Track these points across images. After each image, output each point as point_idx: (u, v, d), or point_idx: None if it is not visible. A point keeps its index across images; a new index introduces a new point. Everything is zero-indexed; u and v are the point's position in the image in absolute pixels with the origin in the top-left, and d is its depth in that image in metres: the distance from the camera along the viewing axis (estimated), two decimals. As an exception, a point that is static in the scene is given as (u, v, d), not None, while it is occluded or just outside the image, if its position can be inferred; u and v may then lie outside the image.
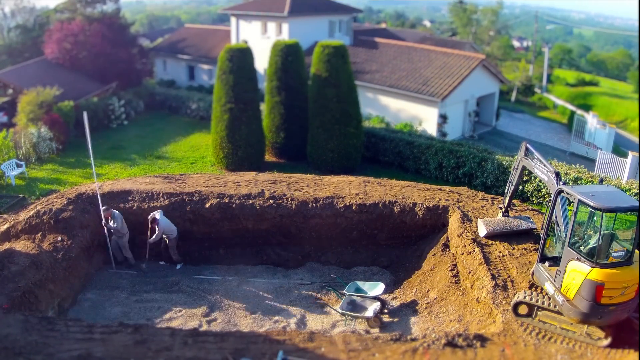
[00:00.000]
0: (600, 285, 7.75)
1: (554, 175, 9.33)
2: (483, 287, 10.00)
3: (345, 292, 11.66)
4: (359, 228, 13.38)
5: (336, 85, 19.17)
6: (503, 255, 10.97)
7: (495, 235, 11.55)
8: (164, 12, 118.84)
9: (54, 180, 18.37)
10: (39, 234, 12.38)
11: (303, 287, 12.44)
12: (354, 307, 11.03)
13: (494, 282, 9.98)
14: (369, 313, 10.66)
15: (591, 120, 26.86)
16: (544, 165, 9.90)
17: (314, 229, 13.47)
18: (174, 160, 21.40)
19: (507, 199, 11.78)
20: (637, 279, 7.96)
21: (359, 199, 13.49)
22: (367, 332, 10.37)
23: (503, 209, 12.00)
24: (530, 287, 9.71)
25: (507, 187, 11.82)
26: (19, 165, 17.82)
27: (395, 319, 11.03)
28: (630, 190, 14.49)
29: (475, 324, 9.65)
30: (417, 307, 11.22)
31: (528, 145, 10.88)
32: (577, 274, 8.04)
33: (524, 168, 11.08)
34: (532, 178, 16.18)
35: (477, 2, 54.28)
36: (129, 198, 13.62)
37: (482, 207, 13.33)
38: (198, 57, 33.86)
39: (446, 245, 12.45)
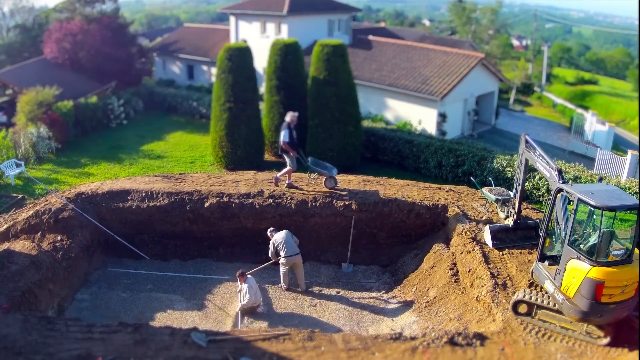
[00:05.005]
0: (600, 283, 7.75)
1: (556, 172, 9.14)
2: (483, 286, 10.00)
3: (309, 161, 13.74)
4: (358, 227, 13.38)
5: (335, 85, 19.15)
6: (502, 254, 10.98)
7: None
8: (163, 11, 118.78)
9: (53, 180, 18.37)
10: (39, 234, 12.37)
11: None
12: (320, 167, 13.67)
13: (493, 280, 9.98)
14: (334, 172, 13.45)
15: (590, 118, 26.87)
16: (546, 162, 9.68)
17: (314, 228, 13.47)
18: (173, 160, 21.38)
19: (517, 203, 11.08)
20: (637, 277, 7.96)
21: (359, 198, 13.48)
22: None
23: (514, 216, 11.25)
24: (529, 286, 9.71)
25: (514, 190, 11.30)
26: (18, 165, 17.79)
27: (394, 318, 11.06)
28: (629, 188, 14.49)
29: (475, 323, 9.65)
30: (416, 306, 11.22)
31: (527, 137, 10.56)
32: (577, 272, 8.04)
33: (527, 161, 10.62)
34: (531, 176, 16.17)
35: (477, 1, 54.23)
36: (129, 197, 13.61)
37: (481, 205, 13.32)
38: (197, 56, 33.82)
39: (446, 244, 12.45)
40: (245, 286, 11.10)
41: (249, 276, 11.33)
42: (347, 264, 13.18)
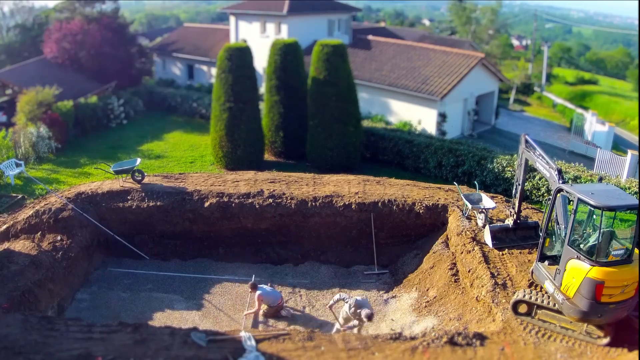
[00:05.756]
0: (600, 283, 7.76)
1: (556, 172, 9.13)
2: (482, 286, 10.00)
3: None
4: (359, 227, 13.38)
5: (335, 84, 19.15)
6: (502, 254, 10.98)
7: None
8: (163, 11, 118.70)
9: (53, 180, 18.36)
10: (39, 234, 12.38)
11: (302, 286, 12.44)
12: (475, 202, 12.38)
13: (493, 280, 9.98)
14: (490, 204, 12.10)
15: (590, 118, 26.86)
16: (546, 162, 9.66)
17: (314, 228, 13.47)
18: (173, 160, 21.38)
19: (517, 202, 11.06)
20: (637, 277, 7.96)
21: (358, 197, 13.49)
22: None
23: (514, 216, 11.23)
24: (529, 286, 9.71)
25: (514, 189, 11.25)
26: (18, 165, 17.79)
27: (394, 318, 11.05)
28: (629, 188, 14.48)
29: (475, 323, 9.65)
30: (416, 306, 11.22)
31: (527, 137, 10.54)
32: (577, 272, 8.04)
33: (527, 161, 10.59)
34: (531, 176, 16.16)
35: (477, 0, 54.22)
36: (129, 197, 13.62)
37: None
38: (197, 56, 33.81)
39: (446, 244, 12.45)
40: (254, 296, 11.09)
41: (260, 286, 11.36)
42: (373, 266, 13.06)
